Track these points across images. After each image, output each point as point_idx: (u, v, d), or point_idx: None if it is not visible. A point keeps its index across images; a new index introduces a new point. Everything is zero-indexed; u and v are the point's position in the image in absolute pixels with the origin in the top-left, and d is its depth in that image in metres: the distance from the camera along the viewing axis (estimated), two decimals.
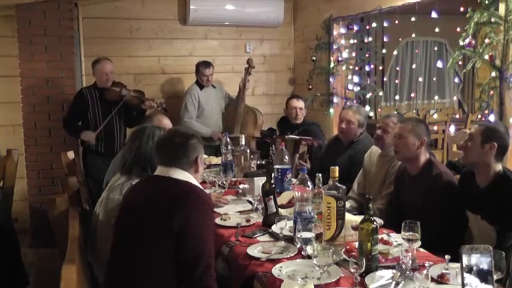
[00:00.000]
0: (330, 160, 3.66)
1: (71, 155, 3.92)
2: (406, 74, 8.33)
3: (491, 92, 3.40)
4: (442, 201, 2.68)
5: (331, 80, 5.31)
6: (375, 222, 2.03)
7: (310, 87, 5.49)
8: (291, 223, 2.43)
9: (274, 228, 2.48)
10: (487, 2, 3.28)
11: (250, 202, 3.08)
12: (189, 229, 2.05)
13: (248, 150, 3.90)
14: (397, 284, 1.88)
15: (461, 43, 3.49)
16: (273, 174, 3.04)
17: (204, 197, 2.17)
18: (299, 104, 4.65)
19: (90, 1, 5.22)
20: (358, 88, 5.33)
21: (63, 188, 3.13)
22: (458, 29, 3.61)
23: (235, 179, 3.64)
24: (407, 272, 1.89)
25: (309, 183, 2.46)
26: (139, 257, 2.11)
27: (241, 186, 3.36)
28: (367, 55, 5.62)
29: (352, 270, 1.91)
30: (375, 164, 3.39)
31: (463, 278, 1.69)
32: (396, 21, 4.54)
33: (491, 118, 3.37)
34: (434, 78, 8.37)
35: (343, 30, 5.18)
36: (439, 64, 5.80)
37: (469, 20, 3.38)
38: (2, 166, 3.85)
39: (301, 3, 5.94)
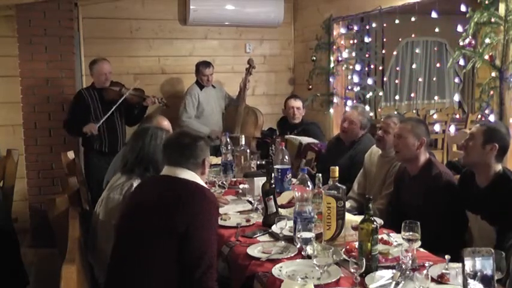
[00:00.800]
0: (330, 160, 3.66)
1: (71, 155, 3.92)
2: (406, 74, 8.33)
3: (491, 92, 3.40)
4: (442, 201, 2.68)
5: (331, 80, 5.31)
6: (375, 222, 2.03)
7: (310, 87, 5.49)
8: (291, 223, 2.43)
9: (274, 228, 2.48)
10: (487, 2, 3.28)
11: (250, 202, 3.09)
12: (194, 229, 2.06)
13: (248, 150, 3.91)
14: (397, 284, 1.88)
15: (461, 43, 3.49)
16: (273, 174, 3.04)
17: (210, 198, 2.18)
18: (296, 103, 4.66)
19: (90, 1, 5.21)
20: (358, 88, 5.32)
21: (63, 188, 3.13)
22: (460, 29, 3.59)
23: (235, 179, 3.64)
24: (407, 272, 1.89)
25: (309, 183, 2.46)
26: (142, 256, 2.11)
27: (241, 186, 3.36)
28: (367, 55, 5.62)
29: (352, 270, 1.91)
30: (376, 164, 3.39)
31: (464, 280, 1.69)
32: (396, 21, 4.54)
33: (491, 118, 3.36)
34: (434, 78, 8.37)
35: (343, 30, 5.18)
36: (439, 64, 5.79)
37: (469, 20, 3.38)
38: (2, 166, 3.85)
39: (301, 3, 5.94)
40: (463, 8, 3.57)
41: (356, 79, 5.26)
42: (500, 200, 2.45)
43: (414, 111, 7.88)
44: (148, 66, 5.55)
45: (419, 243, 2.12)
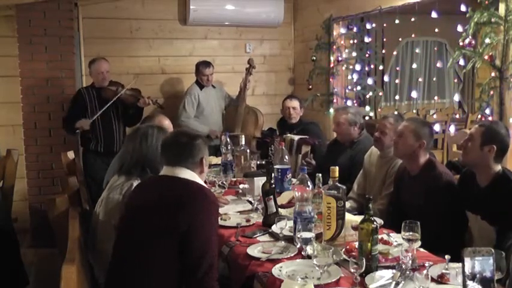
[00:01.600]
0: (330, 161, 3.66)
1: (71, 155, 3.92)
2: (406, 74, 8.33)
3: (491, 92, 3.40)
4: (442, 201, 2.69)
5: (331, 80, 5.31)
6: (374, 222, 2.03)
7: (310, 87, 5.49)
8: (291, 223, 2.43)
9: (274, 228, 2.48)
10: (487, 2, 3.28)
11: (250, 202, 3.08)
12: (195, 229, 2.06)
13: (248, 150, 3.90)
14: (397, 284, 1.88)
15: (461, 43, 3.49)
16: (273, 174, 3.04)
17: (211, 197, 2.18)
18: (292, 103, 4.66)
19: (90, 1, 5.22)
20: (358, 88, 5.32)
21: (63, 188, 3.13)
22: (460, 29, 3.59)
23: (235, 179, 3.64)
24: (407, 272, 1.89)
25: (309, 183, 2.46)
26: (142, 257, 2.11)
27: (241, 186, 3.36)
28: (367, 55, 5.62)
29: (352, 270, 1.91)
30: (375, 164, 3.39)
31: (464, 281, 1.69)
32: (396, 21, 4.54)
33: (491, 118, 3.37)
34: (434, 78, 8.37)
35: (343, 30, 5.19)
36: (439, 64, 5.80)
37: (469, 20, 3.38)
38: (2, 166, 3.85)
39: (301, 3, 5.94)
40: (463, 8, 3.57)
41: (356, 79, 5.26)
42: (500, 200, 2.46)
43: (414, 111, 7.89)
44: (148, 66, 5.55)
45: (419, 243, 2.12)
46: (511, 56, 3.27)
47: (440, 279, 1.96)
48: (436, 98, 8.47)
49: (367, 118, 5.63)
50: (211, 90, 5.27)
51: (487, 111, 3.43)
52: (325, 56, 5.33)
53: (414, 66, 7.98)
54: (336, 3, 5.17)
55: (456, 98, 8.02)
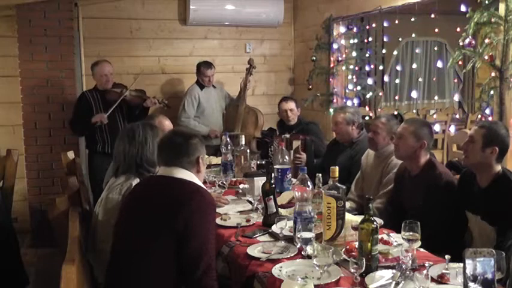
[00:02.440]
0: (330, 161, 3.66)
1: (71, 155, 3.92)
2: (406, 74, 8.33)
3: (491, 92, 3.40)
4: (442, 201, 2.69)
5: (331, 80, 5.31)
6: (375, 222, 2.03)
7: (310, 87, 5.49)
8: (291, 223, 2.43)
9: (274, 228, 2.48)
10: (487, 2, 3.28)
11: (250, 202, 3.08)
12: (191, 229, 2.05)
13: (248, 150, 3.90)
14: (397, 284, 1.87)
15: (461, 43, 3.49)
16: (273, 174, 3.04)
17: (208, 197, 2.17)
18: (288, 105, 4.63)
19: (90, 1, 5.22)
20: (358, 88, 5.32)
21: (63, 188, 3.13)
22: (458, 29, 3.60)
23: (235, 179, 3.64)
24: (407, 272, 1.89)
25: (309, 183, 2.46)
26: (140, 257, 2.11)
27: (241, 186, 3.36)
28: (367, 55, 5.62)
29: (352, 270, 1.91)
30: (371, 163, 3.40)
31: (465, 282, 1.69)
32: (396, 21, 4.54)
33: (491, 118, 3.37)
34: (434, 78, 8.36)
35: (343, 30, 5.19)
36: (439, 64, 5.80)
37: (469, 20, 3.38)
38: (2, 166, 3.86)
39: (301, 3, 5.94)
40: (463, 8, 3.57)
41: (356, 79, 5.26)
42: (501, 200, 2.45)
43: (414, 111, 7.88)
44: (148, 66, 5.55)
45: (419, 243, 2.12)
46: (511, 56, 3.27)
47: (440, 279, 1.96)
48: (436, 98, 8.46)
49: (366, 118, 5.62)
50: (211, 91, 5.28)
51: (487, 111, 3.43)
52: (325, 56, 5.33)
53: (414, 66, 7.97)
54: (336, 3, 5.17)
55: (456, 98, 8.01)
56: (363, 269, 1.92)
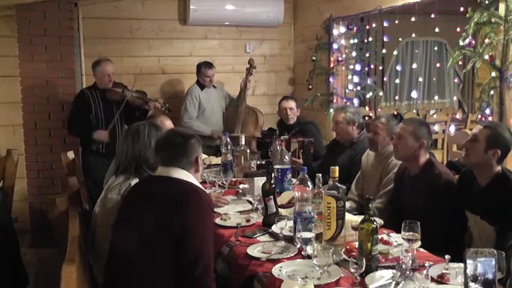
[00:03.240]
0: (330, 161, 3.66)
1: (71, 155, 3.92)
2: (406, 74, 8.33)
3: (491, 92, 3.40)
4: (442, 201, 2.68)
5: (331, 80, 5.31)
6: (375, 223, 2.03)
7: (310, 87, 5.50)
8: (291, 223, 2.43)
9: (274, 228, 2.48)
10: (487, 2, 3.28)
11: (250, 202, 3.08)
12: (189, 229, 2.05)
13: (248, 150, 3.90)
14: (397, 284, 1.87)
15: (461, 43, 3.49)
16: (273, 174, 3.04)
17: (205, 198, 2.17)
18: (288, 104, 4.64)
19: (90, 1, 5.22)
20: (358, 88, 5.32)
21: (63, 188, 3.13)
22: (458, 29, 3.60)
23: (235, 179, 3.64)
24: (407, 272, 1.89)
25: (309, 183, 2.46)
26: (139, 256, 2.11)
27: (241, 186, 3.36)
28: (367, 55, 5.62)
29: (352, 270, 1.91)
30: (371, 163, 3.40)
31: (466, 283, 1.69)
32: (396, 21, 4.54)
33: (491, 118, 3.37)
34: (434, 78, 8.36)
35: (343, 30, 5.19)
36: (439, 64, 5.80)
37: (469, 20, 3.38)
38: (2, 166, 3.85)
39: (301, 3, 5.94)
40: (463, 8, 3.57)
41: (356, 79, 5.26)
42: (500, 200, 2.45)
43: (414, 111, 7.88)
44: (148, 66, 5.55)
45: (419, 243, 2.12)
46: (511, 56, 3.27)
47: (440, 279, 1.96)
48: (436, 98, 8.46)
49: (366, 118, 5.62)
50: (212, 91, 5.28)
51: (487, 111, 3.43)
52: (325, 56, 5.33)
53: (414, 66, 7.98)
54: (336, 3, 5.17)
55: (456, 98, 8.02)
56: (363, 269, 1.92)
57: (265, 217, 2.71)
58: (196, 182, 2.25)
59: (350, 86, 5.32)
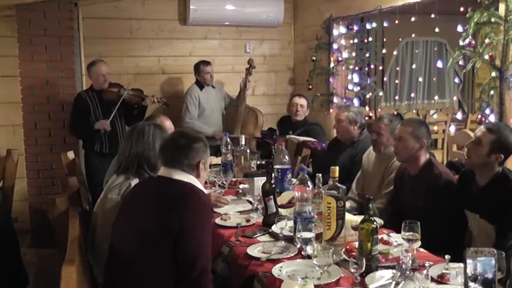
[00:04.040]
0: (331, 160, 3.66)
1: (71, 155, 3.92)
2: (406, 74, 8.33)
3: (491, 92, 3.40)
4: (442, 201, 2.69)
5: (331, 80, 5.31)
6: (375, 223, 2.03)
7: (310, 87, 5.50)
8: (291, 223, 2.43)
9: (274, 228, 2.48)
10: (487, 2, 3.28)
11: (250, 202, 3.08)
12: (187, 230, 2.05)
13: (248, 150, 3.90)
14: (397, 284, 1.87)
15: (461, 43, 3.49)
16: (273, 174, 3.04)
17: (205, 199, 2.17)
18: (300, 101, 4.69)
19: (90, 1, 5.22)
20: (358, 88, 5.32)
21: (63, 188, 3.13)
22: (460, 29, 3.60)
23: (235, 179, 3.64)
24: (407, 272, 1.89)
25: (309, 183, 2.46)
26: (138, 257, 2.11)
27: (241, 186, 3.36)
28: (367, 55, 5.62)
29: (352, 270, 1.91)
30: (373, 163, 3.39)
31: (466, 282, 1.69)
32: (396, 21, 4.54)
33: (491, 118, 3.36)
34: (434, 78, 8.36)
35: (343, 30, 5.19)
36: (439, 64, 5.80)
37: (469, 20, 3.38)
38: (2, 166, 3.85)
39: (301, 3, 5.94)
40: (463, 8, 3.57)
41: (356, 79, 5.26)
42: (499, 199, 2.45)
43: (414, 111, 7.88)
44: (148, 66, 5.55)
45: (419, 243, 2.12)
46: (511, 56, 3.27)
47: (440, 279, 1.96)
48: (436, 98, 8.46)
49: (366, 118, 5.62)
50: (211, 91, 5.28)
51: (487, 111, 3.43)
52: (325, 56, 5.33)
53: (414, 66, 7.98)
54: (336, 3, 5.17)
55: (456, 98, 8.01)
56: (363, 269, 1.92)
57: (265, 217, 2.71)
58: (198, 184, 2.23)
59: (350, 86, 5.31)
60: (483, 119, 3.46)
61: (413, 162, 2.88)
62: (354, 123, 3.80)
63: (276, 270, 2.08)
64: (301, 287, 1.90)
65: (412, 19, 4.54)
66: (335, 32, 5.23)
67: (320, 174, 2.45)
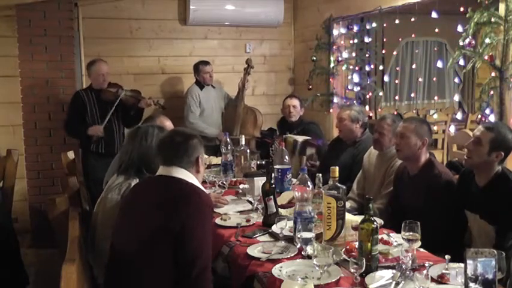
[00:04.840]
0: (332, 159, 3.67)
1: (71, 155, 3.92)
2: (406, 74, 8.33)
3: (491, 92, 3.40)
4: (442, 201, 2.69)
5: (331, 80, 5.31)
6: (375, 223, 2.03)
7: (310, 87, 5.49)
8: (291, 223, 2.43)
9: (274, 228, 2.48)
10: (487, 2, 3.28)
11: (250, 202, 3.08)
12: (188, 230, 2.05)
13: (248, 150, 3.90)
14: (397, 284, 1.87)
15: (461, 43, 3.49)
16: (273, 174, 3.04)
17: (205, 198, 2.17)
18: (292, 102, 4.67)
19: (90, 1, 5.22)
20: (358, 88, 5.32)
21: (63, 188, 3.13)
22: (460, 29, 3.59)
23: (235, 179, 3.64)
24: (407, 272, 1.89)
25: (309, 183, 2.46)
26: (139, 256, 2.11)
27: (241, 186, 3.36)
28: (367, 55, 5.62)
29: (352, 270, 1.91)
30: (374, 163, 3.39)
31: (466, 283, 1.69)
32: (396, 21, 4.54)
33: (492, 118, 3.36)
34: (434, 78, 8.37)
35: (343, 30, 5.19)
36: (439, 64, 5.80)
37: (469, 20, 3.38)
38: (2, 166, 3.86)
39: (301, 3, 5.94)
40: (463, 8, 3.57)
41: (356, 79, 5.26)
42: (499, 200, 2.45)
43: (414, 111, 7.88)
44: (148, 66, 5.55)
45: (419, 243, 2.12)
46: (511, 56, 3.27)
47: (440, 279, 1.96)
48: (436, 98, 8.47)
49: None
50: (211, 91, 5.28)
51: (487, 111, 3.43)
52: (325, 56, 5.33)
53: (414, 66, 7.98)
54: (336, 3, 5.17)
55: (456, 98, 8.02)
56: (363, 269, 1.92)
57: (265, 217, 2.71)
58: (197, 183, 2.24)
59: (350, 86, 5.31)
60: (483, 119, 3.46)
61: (414, 161, 2.88)
62: (356, 122, 3.80)
63: (276, 270, 2.08)
64: (301, 287, 1.90)
65: (412, 19, 4.54)
66: (335, 32, 5.23)
67: (320, 174, 2.45)
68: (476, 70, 3.55)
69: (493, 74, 3.37)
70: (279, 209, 2.76)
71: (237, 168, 3.81)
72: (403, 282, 1.88)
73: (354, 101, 5.23)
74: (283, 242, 2.38)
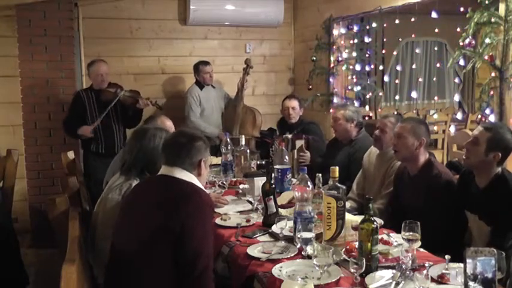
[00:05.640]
0: (329, 159, 3.67)
1: (71, 155, 3.92)
2: (406, 74, 8.34)
3: (491, 92, 3.40)
4: (442, 201, 2.68)
5: (331, 80, 5.31)
6: (375, 223, 2.03)
7: (310, 87, 5.49)
8: (291, 223, 2.43)
9: (274, 228, 2.48)
10: (487, 2, 3.28)
11: (250, 202, 3.08)
12: (188, 230, 2.05)
13: (248, 150, 3.90)
14: (397, 284, 1.88)
15: (461, 43, 3.49)
16: (273, 174, 3.04)
17: (206, 199, 2.16)
18: (291, 103, 4.65)
19: (90, 1, 5.22)
20: (358, 88, 5.33)
21: (63, 188, 3.13)
22: (458, 29, 3.60)
23: (235, 179, 3.64)
24: (407, 272, 1.89)
25: (309, 183, 2.46)
26: (139, 256, 2.11)
27: (241, 186, 3.36)
28: (367, 55, 5.62)
29: (352, 270, 1.91)
30: (374, 164, 3.39)
31: (466, 282, 1.69)
32: (396, 21, 4.54)
33: (492, 118, 3.36)
34: (434, 78, 8.37)
35: (343, 30, 5.19)
36: (439, 64, 5.81)
37: (469, 20, 3.38)
38: (2, 166, 3.86)
39: (301, 3, 5.94)
40: (463, 8, 3.57)
41: (356, 79, 5.26)
42: (498, 201, 2.45)
43: (414, 111, 7.89)
44: (148, 66, 5.55)
45: (419, 243, 2.12)
46: (511, 56, 3.27)
47: (440, 279, 1.96)
48: (436, 98, 8.47)
49: (366, 118, 5.63)
50: (211, 90, 5.28)
51: (487, 111, 3.43)
52: (325, 56, 5.33)
53: (414, 66, 7.98)
54: (336, 3, 5.17)
55: (456, 98, 8.02)
56: (363, 269, 1.92)
57: (265, 217, 2.71)
58: (198, 183, 2.23)
59: (350, 86, 5.31)
60: (483, 119, 3.46)
61: (413, 161, 2.88)
62: (350, 121, 3.80)
63: (276, 270, 2.08)
64: (301, 287, 1.90)
65: (412, 19, 4.54)
66: (335, 32, 5.23)
67: (320, 174, 2.45)
68: (476, 70, 3.55)
69: (493, 74, 3.37)
70: (279, 209, 2.76)
71: (237, 168, 3.81)
72: (403, 282, 1.88)
73: (354, 101, 5.23)
74: (283, 242, 2.38)
